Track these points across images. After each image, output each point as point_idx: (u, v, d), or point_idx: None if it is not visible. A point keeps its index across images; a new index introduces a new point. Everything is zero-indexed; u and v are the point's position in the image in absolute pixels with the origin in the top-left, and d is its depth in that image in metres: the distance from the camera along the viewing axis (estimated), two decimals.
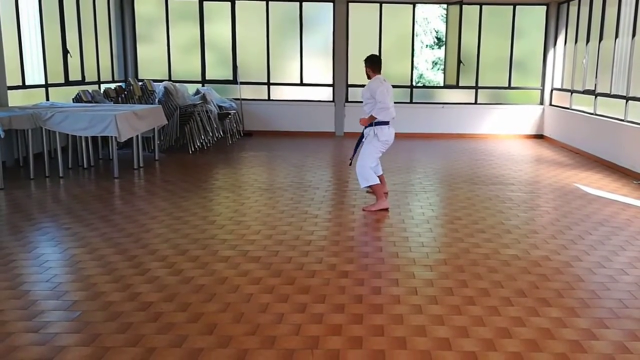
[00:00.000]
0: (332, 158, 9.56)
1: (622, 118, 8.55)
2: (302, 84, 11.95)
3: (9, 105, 7.96)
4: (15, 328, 3.23)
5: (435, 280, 4.04)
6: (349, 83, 11.79)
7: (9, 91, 8.03)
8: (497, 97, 12.09)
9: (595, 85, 9.59)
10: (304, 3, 11.62)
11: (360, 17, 11.75)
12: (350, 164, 6.24)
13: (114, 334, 3.16)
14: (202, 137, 9.80)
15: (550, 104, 11.78)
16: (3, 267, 4.18)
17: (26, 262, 4.34)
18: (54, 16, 9.18)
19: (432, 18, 20.76)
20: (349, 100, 11.84)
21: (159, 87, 10.02)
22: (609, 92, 9.07)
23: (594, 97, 9.64)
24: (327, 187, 7.12)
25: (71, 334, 3.16)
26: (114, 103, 9.44)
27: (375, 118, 5.86)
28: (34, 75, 8.84)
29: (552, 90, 11.81)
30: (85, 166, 7.97)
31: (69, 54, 9.46)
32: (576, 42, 10.60)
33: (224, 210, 5.94)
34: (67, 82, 9.48)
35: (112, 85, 10.32)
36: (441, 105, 12.02)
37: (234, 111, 11.15)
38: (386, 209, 5.95)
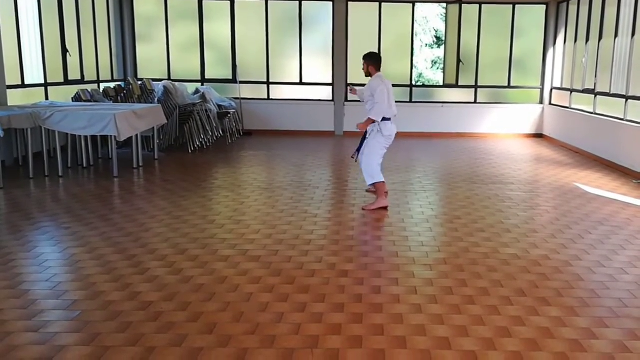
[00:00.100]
0: (331, 157, 9.56)
1: (622, 117, 8.55)
2: (301, 83, 11.95)
3: (9, 104, 7.96)
4: (15, 327, 3.23)
5: (435, 280, 4.04)
6: (349, 82, 11.77)
7: (8, 90, 8.03)
8: (496, 96, 12.09)
9: (595, 84, 9.59)
10: (303, 2, 11.62)
11: (360, 16, 11.75)
12: (356, 160, 6.24)
13: (114, 334, 3.16)
14: (202, 136, 9.80)
15: (550, 103, 11.78)
16: (2, 267, 4.18)
17: (26, 261, 4.34)
18: (53, 15, 9.18)
19: (431, 17, 20.76)
20: (349, 99, 11.82)
21: (159, 86, 10.01)
22: (608, 91, 9.07)
23: (593, 96, 9.64)
24: (326, 186, 7.12)
25: (71, 334, 3.16)
26: (113, 102, 9.43)
27: (374, 121, 5.85)
28: (33, 75, 8.84)
29: (551, 90, 11.81)
30: (84, 165, 7.97)
31: (68, 53, 9.45)
32: (576, 41, 10.60)
33: (224, 210, 5.94)
34: (67, 81, 9.48)
35: (112, 85, 10.32)
36: (441, 104, 12.02)
37: (234, 110, 11.15)
38: (385, 208, 5.96)
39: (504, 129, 11.99)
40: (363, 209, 5.96)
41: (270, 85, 11.96)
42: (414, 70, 12.40)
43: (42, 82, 8.99)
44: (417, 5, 12.05)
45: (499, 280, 4.04)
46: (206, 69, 11.93)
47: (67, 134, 7.68)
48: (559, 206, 6.25)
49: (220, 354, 2.97)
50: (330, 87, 11.93)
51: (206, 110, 9.95)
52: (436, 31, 21.07)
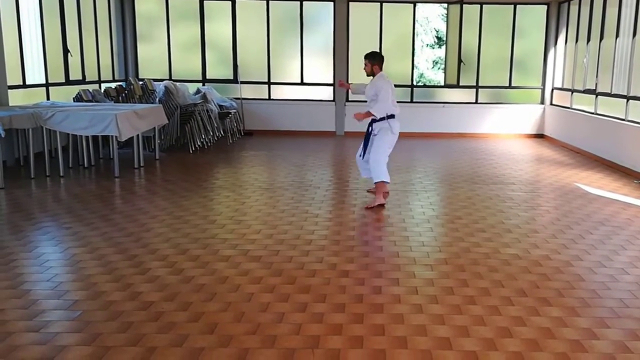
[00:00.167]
0: (332, 157, 9.56)
1: (623, 117, 8.54)
2: (302, 83, 11.95)
3: (10, 104, 7.96)
4: (16, 327, 3.23)
5: (436, 280, 4.04)
6: (350, 82, 11.75)
7: (9, 90, 8.04)
8: (497, 96, 12.09)
9: (596, 84, 9.58)
10: (304, 2, 11.62)
11: (361, 16, 11.75)
12: (363, 158, 6.27)
13: (115, 334, 3.16)
14: (203, 136, 9.80)
15: (551, 104, 11.78)
16: (4, 267, 4.18)
17: (27, 261, 4.34)
18: (55, 15, 9.19)
19: (432, 17, 20.75)
20: (350, 99, 11.83)
21: (160, 87, 10.02)
22: (609, 92, 9.06)
23: (594, 96, 9.63)
24: (327, 186, 7.12)
25: (72, 334, 3.16)
26: (114, 102, 9.44)
27: (372, 115, 5.88)
28: (35, 75, 8.84)
29: (552, 90, 11.80)
30: (85, 165, 7.98)
31: (69, 53, 9.46)
32: (577, 41, 10.59)
33: (225, 210, 5.94)
34: (68, 82, 9.49)
35: (113, 85, 10.33)
36: (442, 104, 12.01)
37: (235, 110, 11.15)
38: (382, 205, 6.05)
39: (505, 129, 11.98)
40: (366, 209, 5.98)
41: (271, 86, 11.96)
42: (415, 71, 12.41)
43: (44, 82, 9.00)
44: (418, 5, 12.05)
45: (500, 280, 4.04)
46: (207, 69, 11.94)
47: (68, 134, 7.68)
48: (560, 206, 6.24)
49: (221, 354, 2.97)
50: (332, 88, 11.93)
51: (207, 111, 9.95)
52: (437, 31, 21.06)
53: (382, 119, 6.01)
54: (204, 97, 10.32)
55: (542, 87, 12.04)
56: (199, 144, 9.69)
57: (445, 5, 12.50)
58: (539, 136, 11.97)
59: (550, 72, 11.82)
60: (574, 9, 10.81)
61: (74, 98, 9.12)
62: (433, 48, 21.34)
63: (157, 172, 8.00)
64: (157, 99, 9.84)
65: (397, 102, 6.20)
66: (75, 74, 9.68)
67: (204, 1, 11.64)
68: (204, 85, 11.66)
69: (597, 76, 9.56)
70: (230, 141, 10.67)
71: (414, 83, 12.26)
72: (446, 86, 12.12)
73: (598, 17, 9.60)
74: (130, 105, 8.87)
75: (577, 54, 10.59)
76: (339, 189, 7.02)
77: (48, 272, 4.10)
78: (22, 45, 8.39)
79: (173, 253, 4.52)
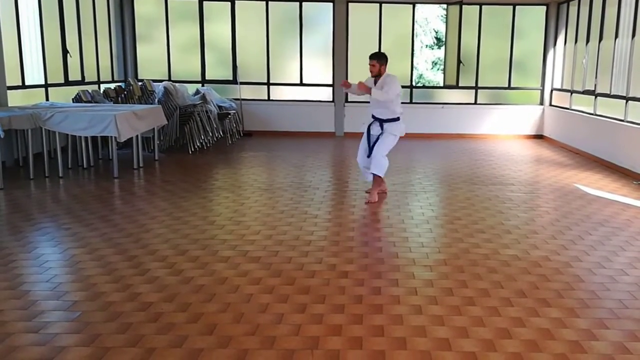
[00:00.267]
0: (332, 158, 9.56)
1: (622, 118, 8.55)
2: (301, 84, 11.95)
3: (9, 105, 7.96)
4: (15, 328, 3.23)
5: (435, 281, 4.04)
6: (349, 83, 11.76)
7: (8, 91, 8.03)
8: (496, 97, 12.09)
9: (595, 85, 9.59)
10: (303, 3, 11.62)
11: (360, 17, 11.75)
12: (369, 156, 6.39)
13: (114, 334, 3.16)
14: (202, 137, 9.80)
15: (550, 104, 11.78)
16: (3, 268, 4.18)
17: (26, 262, 4.34)
18: (54, 16, 9.18)
19: (431, 18, 20.76)
20: (349, 100, 11.83)
21: (159, 87, 10.02)
22: (608, 93, 9.07)
23: (593, 97, 9.64)
24: (327, 187, 7.12)
25: (71, 334, 3.16)
26: (113, 103, 9.44)
27: (369, 91, 5.99)
28: (34, 75, 8.84)
29: (551, 91, 11.81)
30: (85, 166, 7.97)
31: (68, 54, 9.45)
32: (576, 42, 10.60)
33: (224, 211, 5.94)
34: (67, 82, 9.48)
35: (112, 85, 10.32)
36: (441, 105, 12.02)
37: (234, 111, 11.15)
38: (384, 192, 6.56)
39: (504, 130, 11.98)
40: (369, 203, 6.19)
41: (271, 86, 11.96)
42: (414, 71, 12.41)
43: (43, 82, 8.99)
44: (418, 6, 12.05)
45: (499, 281, 4.04)
46: (206, 70, 11.93)
47: (67, 134, 7.68)
48: (559, 207, 6.25)
49: (221, 354, 2.97)
50: (331, 88, 11.93)
51: (206, 111, 9.95)
52: (436, 32, 21.07)
53: (395, 119, 6.22)
54: (203, 97, 10.32)
55: (541, 88, 12.04)
56: (198, 144, 9.69)
57: (445, 6, 12.51)
58: (538, 137, 11.98)
59: (550, 73, 11.83)
60: (573, 9, 10.82)
61: (73, 99, 9.11)
62: (432, 49, 21.35)
63: (157, 172, 8.00)
64: (157, 100, 9.83)
65: None
66: (74, 75, 9.67)
67: (203, 2, 11.64)
68: (203, 86, 11.66)
69: (596, 77, 9.57)
70: (230, 142, 10.67)
71: (413, 84, 12.26)
72: (445, 87, 12.11)
73: (597, 17, 9.61)
74: (129, 106, 8.86)
75: (576, 55, 10.60)
76: (338, 190, 7.02)
77: (47, 272, 4.09)
78: (22, 46, 8.39)
79: (172, 254, 4.51)
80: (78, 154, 8.03)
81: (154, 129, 8.61)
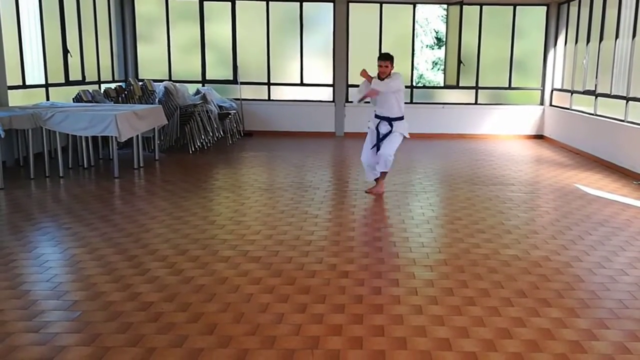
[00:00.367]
0: (332, 158, 9.56)
1: (622, 118, 8.55)
2: (302, 84, 11.95)
3: (9, 105, 7.96)
4: (16, 328, 3.23)
5: (436, 281, 4.04)
6: (349, 83, 11.79)
7: (9, 91, 8.03)
8: (497, 97, 12.09)
9: (596, 85, 9.59)
10: (304, 3, 11.62)
11: (361, 17, 11.75)
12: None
13: (114, 334, 3.16)
14: (202, 137, 9.80)
15: (551, 105, 11.78)
16: (3, 267, 4.18)
17: (26, 262, 4.34)
18: (54, 16, 9.18)
19: (432, 18, 20.76)
20: (349, 100, 11.84)
21: (159, 87, 10.02)
22: (609, 93, 9.07)
23: (594, 97, 9.64)
24: (327, 187, 7.12)
25: (71, 334, 3.16)
26: (114, 103, 9.44)
27: (376, 92, 6.17)
28: (34, 75, 8.84)
29: (552, 91, 11.81)
30: (85, 166, 7.98)
31: (69, 54, 9.46)
32: (576, 42, 10.60)
33: (224, 211, 5.94)
34: (68, 82, 9.48)
35: (113, 85, 10.32)
36: (441, 105, 12.02)
37: (234, 111, 11.15)
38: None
39: (505, 130, 11.98)
40: (372, 192, 6.48)
41: (271, 86, 11.96)
42: (414, 71, 12.41)
43: (43, 82, 8.99)
44: (418, 6, 12.05)
45: (500, 281, 4.04)
46: (207, 70, 11.93)
47: (67, 134, 7.69)
48: (559, 207, 6.24)
49: (221, 354, 2.97)
50: (331, 88, 11.93)
51: (207, 111, 9.95)
52: (437, 32, 21.07)
53: (402, 117, 6.38)
54: (204, 97, 10.32)
55: (541, 88, 12.04)
56: (198, 144, 9.69)
57: (445, 6, 12.51)
58: (539, 137, 11.97)
59: (550, 73, 11.83)
60: (573, 10, 10.82)
61: (73, 99, 9.11)
62: (433, 49, 21.35)
63: (157, 172, 8.00)
64: (157, 100, 9.84)
65: None
66: (75, 75, 9.67)
67: (204, 2, 11.64)
68: (203, 86, 11.66)
69: (596, 77, 9.56)
70: (230, 142, 10.67)
71: (414, 84, 12.26)
72: (446, 87, 12.11)
73: (598, 18, 9.61)
74: (129, 105, 8.86)
75: (576, 55, 10.60)
76: (339, 190, 7.02)
77: (47, 272, 4.09)
78: (22, 46, 8.39)
79: (173, 254, 4.52)
80: (78, 153, 8.03)
81: (154, 128, 8.62)
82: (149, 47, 12.00)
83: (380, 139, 6.42)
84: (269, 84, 11.94)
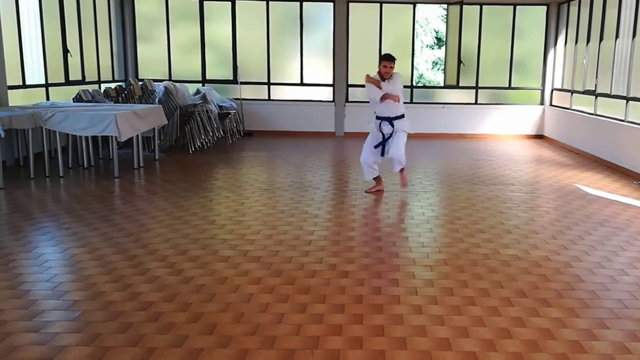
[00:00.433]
0: (332, 158, 9.56)
1: (623, 118, 8.55)
2: (302, 84, 11.95)
3: (9, 104, 7.96)
4: (16, 328, 3.23)
5: (436, 281, 4.04)
6: (349, 83, 11.79)
7: (9, 91, 8.03)
8: (497, 97, 12.09)
9: (596, 85, 9.59)
10: (304, 3, 11.62)
11: (361, 17, 11.75)
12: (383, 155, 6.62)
13: (114, 334, 3.16)
14: (203, 137, 9.80)
15: (551, 104, 11.78)
16: (3, 267, 4.18)
17: (26, 261, 4.34)
18: (54, 15, 9.18)
19: (432, 18, 20.76)
20: (349, 100, 11.84)
21: (159, 87, 10.02)
22: (609, 93, 9.07)
23: (594, 97, 9.64)
24: (327, 187, 7.12)
25: (71, 334, 3.16)
26: (114, 103, 9.44)
27: (398, 99, 6.33)
28: (34, 75, 8.84)
29: (552, 91, 11.81)
30: (85, 166, 7.98)
31: (69, 54, 9.46)
32: (576, 42, 10.60)
33: (224, 210, 5.94)
34: (68, 82, 9.48)
35: (113, 85, 10.33)
36: (441, 105, 12.02)
37: (234, 111, 11.15)
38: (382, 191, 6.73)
39: (505, 130, 11.98)
40: (368, 192, 6.52)
41: (271, 86, 11.96)
42: (414, 71, 12.41)
43: (43, 82, 8.99)
44: (418, 6, 12.05)
45: (500, 281, 4.04)
46: (207, 70, 11.93)
47: (67, 134, 7.69)
48: (559, 207, 6.24)
49: (221, 354, 2.97)
50: (331, 88, 11.93)
51: (207, 111, 9.95)
52: (437, 32, 21.07)
53: (403, 116, 6.43)
54: (204, 97, 10.32)
55: (541, 88, 12.04)
56: (198, 144, 9.69)
57: (445, 6, 12.51)
58: (539, 137, 11.97)
59: (550, 73, 11.83)
60: (573, 10, 10.82)
61: (73, 98, 9.12)
62: (433, 49, 21.35)
63: (157, 172, 8.00)
64: (157, 100, 9.84)
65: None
66: (75, 75, 9.67)
67: (204, 2, 11.64)
68: (203, 85, 11.66)
69: (596, 77, 9.56)
70: (230, 142, 10.67)
71: (414, 84, 12.26)
72: (446, 87, 12.11)
73: (598, 18, 9.61)
74: (129, 105, 8.86)
75: (576, 55, 10.60)
76: (339, 190, 7.02)
77: (47, 272, 4.09)
78: (22, 46, 8.39)
79: (172, 253, 4.51)
80: (78, 153, 8.03)
81: (154, 128, 8.61)
82: (149, 47, 12.00)
83: (385, 139, 6.44)
84: (269, 83, 11.94)
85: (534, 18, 11.83)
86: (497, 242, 4.93)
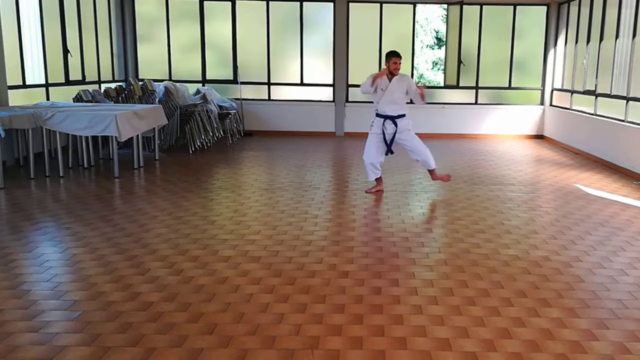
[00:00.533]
0: (332, 158, 9.56)
1: (623, 118, 8.55)
2: (302, 84, 11.95)
3: (10, 104, 7.96)
4: (16, 328, 3.23)
5: (436, 281, 4.04)
6: (349, 83, 11.80)
7: (9, 91, 8.04)
8: (497, 97, 12.09)
9: (596, 85, 9.59)
10: (304, 3, 11.62)
11: (361, 17, 11.75)
12: (389, 154, 6.70)
13: (114, 334, 3.16)
14: (203, 136, 9.81)
15: (551, 105, 11.78)
16: (3, 267, 4.18)
17: (26, 261, 4.34)
18: (55, 16, 9.19)
19: (432, 18, 20.78)
20: (349, 100, 11.84)
21: (160, 87, 10.02)
22: (609, 93, 9.07)
23: (594, 97, 9.64)
24: (327, 187, 7.12)
25: (71, 334, 3.16)
26: (114, 103, 9.44)
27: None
28: (35, 75, 8.85)
29: (552, 91, 11.80)
30: (85, 166, 7.98)
31: (69, 54, 9.46)
32: (576, 42, 10.60)
33: (224, 210, 5.94)
34: (68, 82, 9.49)
35: (113, 85, 10.32)
36: (441, 105, 12.02)
37: (235, 111, 11.15)
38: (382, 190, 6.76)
39: (505, 130, 11.98)
40: (368, 192, 6.55)
41: (271, 86, 11.97)
42: (414, 71, 12.41)
43: (43, 82, 9.00)
44: (418, 6, 12.06)
45: (500, 281, 4.04)
46: (207, 70, 11.94)
47: (68, 134, 7.69)
48: (559, 207, 6.24)
49: (221, 354, 2.97)
50: (331, 88, 11.93)
51: (207, 111, 9.95)
52: (437, 32, 21.08)
53: (404, 115, 6.55)
54: (204, 97, 10.32)
55: (541, 88, 12.04)
56: (198, 144, 9.69)
57: (445, 6, 12.51)
58: (539, 137, 11.97)
59: (550, 73, 11.83)
60: (573, 10, 10.82)
61: (73, 98, 9.12)
62: (433, 49, 21.36)
63: (157, 172, 8.00)
64: (157, 100, 9.84)
65: None
66: (75, 75, 9.68)
67: (204, 2, 11.64)
68: (203, 85, 11.66)
69: (596, 77, 9.56)
70: (230, 142, 10.68)
71: None
72: (446, 87, 12.12)
73: (598, 18, 9.61)
74: (130, 105, 8.86)
75: (576, 55, 10.60)
76: (339, 190, 7.02)
77: (48, 272, 4.09)
78: (22, 46, 8.40)
79: (173, 253, 4.52)
80: (78, 153, 8.03)
81: (154, 128, 8.62)
82: (149, 47, 12.00)
83: (392, 138, 6.48)
84: (269, 83, 11.94)
85: (534, 18, 11.83)
86: (497, 242, 4.93)
